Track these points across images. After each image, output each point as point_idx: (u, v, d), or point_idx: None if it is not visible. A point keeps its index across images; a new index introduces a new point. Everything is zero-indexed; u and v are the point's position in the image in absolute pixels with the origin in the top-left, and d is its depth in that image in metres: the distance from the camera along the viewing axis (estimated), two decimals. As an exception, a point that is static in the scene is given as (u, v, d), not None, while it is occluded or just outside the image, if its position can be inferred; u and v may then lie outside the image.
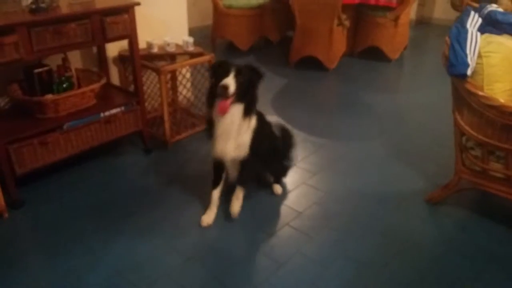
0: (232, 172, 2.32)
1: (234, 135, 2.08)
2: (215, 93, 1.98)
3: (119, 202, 2.41)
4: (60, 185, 2.53)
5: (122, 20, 2.40)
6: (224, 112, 1.98)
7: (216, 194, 2.31)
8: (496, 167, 2.08)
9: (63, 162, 2.48)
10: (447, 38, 2.12)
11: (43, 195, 2.44)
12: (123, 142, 2.91)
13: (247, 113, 2.05)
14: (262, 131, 2.21)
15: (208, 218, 2.27)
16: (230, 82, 1.92)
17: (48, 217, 2.28)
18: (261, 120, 2.23)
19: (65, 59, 2.49)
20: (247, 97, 2.03)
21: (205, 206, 2.34)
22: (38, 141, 2.31)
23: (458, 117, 2.17)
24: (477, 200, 2.50)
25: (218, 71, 2.01)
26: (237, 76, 1.96)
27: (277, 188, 2.54)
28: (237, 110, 2.02)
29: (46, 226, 2.21)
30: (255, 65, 2.10)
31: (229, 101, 1.96)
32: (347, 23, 4.38)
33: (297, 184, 2.60)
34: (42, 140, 2.32)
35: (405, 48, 4.98)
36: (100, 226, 2.21)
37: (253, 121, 2.13)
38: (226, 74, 1.95)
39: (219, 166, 2.28)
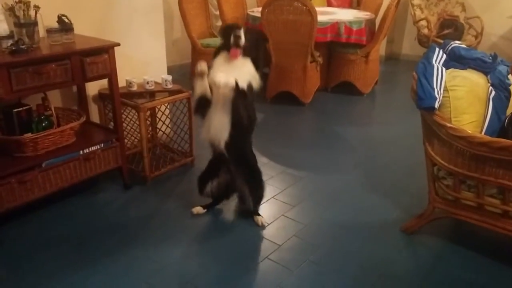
0: (220, 130, 2.31)
1: (241, 70, 2.26)
2: (224, 48, 2.28)
3: (98, 239, 2.39)
4: (38, 223, 2.50)
5: (102, 60, 2.45)
6: (235, 57, 2.24)
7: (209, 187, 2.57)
8: (467, 196, 2.16)
9: (41, 200, 2.45)
10: (414, 74, 2.24)
11: (20, 234, 2.40)
12: (102, 179, 2.90)
13: (254, 64, 2.31)
14: (253, 95, 2.32)
15: (200, 209, 2.64)
16: (241, 33, 2.21)
17: (25, 256, 2.24)
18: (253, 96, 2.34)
19: (44, 98, 2.50)
20: (253, 54, 2.30)
21: (186, 240, 2.34)
22: (16, 180, 2.28)
23: (429, 148, 2.26)
24: (452, 228, 2.58)
25: (229, 31, 2.25)
26: (246, 34, 2.23)
27: (260, 220, 2.55)
28: (245, 60, 2.28)
29: (23, 265, 2.17)
30: (261, 30, 2.42)
31: (239, 50, 2.23)
32: (320, 59, 4.54)
33: (276, 217, 2.63)
34: (20, 179, 2.30)
35: (376, 83, 5.16)
36: (78, 264, 2.18)
37: (256, 77, 2.31)
38: (238, 30, 2.23)
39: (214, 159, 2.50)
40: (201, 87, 2.27)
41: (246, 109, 2.26)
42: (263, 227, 2.54)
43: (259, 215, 2.59)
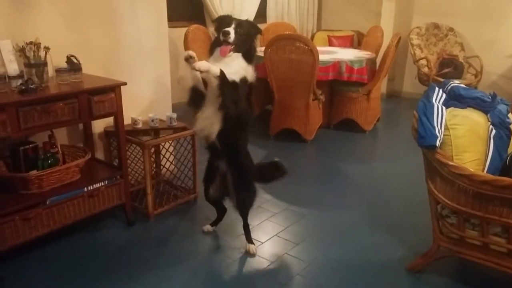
0: (212, 123, 2.33)
1: (230, 67, 2.25)
2: (217, 43, 2.32)
3: (100, 276, 2.36)
4: (41, 260, 2.48)
5: (109, 98, 2.50)
6: (224, 54, 2.26)
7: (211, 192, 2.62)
8: (472, 235, 2.14)
9: (44, 237, 2.45)
10: (415, 112, 2.27)
11: (23, 272, 2.38)
12: (105, 215, 2.90)
13: (246, 59, 2.32)
14: (248, 88, 2.33)
15: (209, 227, 2.80)
16: (230, 29, 2.24)
17: (26, 296, 2.22)
18: (250, 85, 2.36)
19: (51, 136, 2.54)
20: (245, 47, 2.32)
21: (188, 278, 2.32)
22: (20, 217, 2.29)
23: (432, 186, 2.26)
24: (458, 268, 2.54)
25: (221, 23, 2.33)
26: (237, 28, 2.27)
27: (251, 248, 2.60)
28: (236, 55, 2.29)
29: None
30: (253, 22, 2.47)
31: (229, 47, 2.25)
32: (322, 97, 4.61)
33: (279, 255, 2.61)
34: (24, 216, 2.31)
35: (378, 120, 5.21)
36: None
37: (250, 70, 2.34)
38: (227, 25, 2.27)
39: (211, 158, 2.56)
40: (193, 78, 2.31)
41: (233, 100, 2.24)
42: (253, 255, 2.57)
43: (251, 242, 2.64)
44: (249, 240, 2.65)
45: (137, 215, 2.93)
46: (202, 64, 2.14)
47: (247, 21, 2.41)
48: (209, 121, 2.34)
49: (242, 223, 2.66)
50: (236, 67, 2.27)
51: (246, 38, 2.32)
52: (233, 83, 2.23)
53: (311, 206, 3.22)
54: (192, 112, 2.42)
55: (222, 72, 2.18)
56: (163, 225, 2.91)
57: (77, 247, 2.63)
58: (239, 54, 2.31)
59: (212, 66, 2.17)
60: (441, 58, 5.98)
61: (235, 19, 2.35)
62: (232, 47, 2.27)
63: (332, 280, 2.39)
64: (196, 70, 2.16)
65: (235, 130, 2.39)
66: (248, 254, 2.60)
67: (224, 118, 2.30)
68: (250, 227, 2.67)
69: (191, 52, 2.20)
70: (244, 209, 2.60)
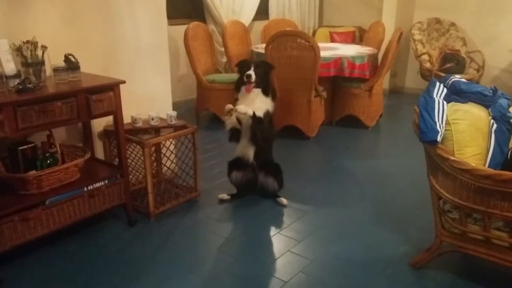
0: (248, 151, 3.06)
1: (255, 104, 2.94)
2: (241, 82, 2.97)
3: (102, 277, 2.36)
4: (40, 261, 2.47)
5: (108, 97, 2.49)
6: (249, 92, 2.94)
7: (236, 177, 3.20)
8: (474, 229, 2.12)
9: (44, 237, 2.44)
10: (416, 107, 2.25)
11: (22, 273, 2.38)
12: (106, 215, 2.90)
13: (264, 93, 3.00)
14: (269, 116, 3.04)
15: (225, 195, 3.23)
16: (251, 72, 2.91)
17: (27, 296, 2.21)
18: (270, 116, 3.07)
19: (50, 136, 2.54)
20: (263, 83, 2.99)
21: (190, 277, 2.32)
22: (19, 218, 2.28)
23: (434, 181, 2.24)
24: (461, 263, 2.52)
25: (242, 66, 3.01)
26: (255, 69, 2.93)
27: (282, 200, 3.16)
28: (257, 91, 2.97)
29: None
30: (267, 61, 3.23)
31: (252, 85, 2.92)
32: (324, 94, 4.58)
33: (281, 252, 2.59)
34: (23, 217, 2.30)
35: (380, 116, 5.19)
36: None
37: (269, 101, 3.03)
38: (248, 68, 2.94)
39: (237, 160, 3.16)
40: (231, 122, 3.01)
41: (262, 132, 2.96)
42: (286, 206, 3.13)
43: (279, 196, 3.20)
44: (278, 196, 3.21)
45: (138, 215, 2.93)
46: (241, 108, 2.85)
47: (262, 61, 3.16)
48: (246, 149, 3.05)
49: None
50: (259, 103, 2.95)
51: (263, 75, 2.98)
52: (260, 118, 2.91)
53: (313, 203, 3.21)
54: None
55: (254, 113, 2.87)
56: (165, 224, 2.90)
57: (77, 247, 2.62)
58: (259, 90, 2.96)
59: (247, 110, 2.86)
60: (443, 53, 5.94)
61: (253, 62, 3.03)
62: (253, 84, 2.91)
63: (335, 277, 2.38)
64: (239, 113, 2.88)
65: (265, 148, 3.12)
66: (248, 251, 2.62)
67: (256, 144, 3.02)
68: (251, 226, 2.67)
69: (229, 106, 2.89)
70: (280, 188, 3.23)
